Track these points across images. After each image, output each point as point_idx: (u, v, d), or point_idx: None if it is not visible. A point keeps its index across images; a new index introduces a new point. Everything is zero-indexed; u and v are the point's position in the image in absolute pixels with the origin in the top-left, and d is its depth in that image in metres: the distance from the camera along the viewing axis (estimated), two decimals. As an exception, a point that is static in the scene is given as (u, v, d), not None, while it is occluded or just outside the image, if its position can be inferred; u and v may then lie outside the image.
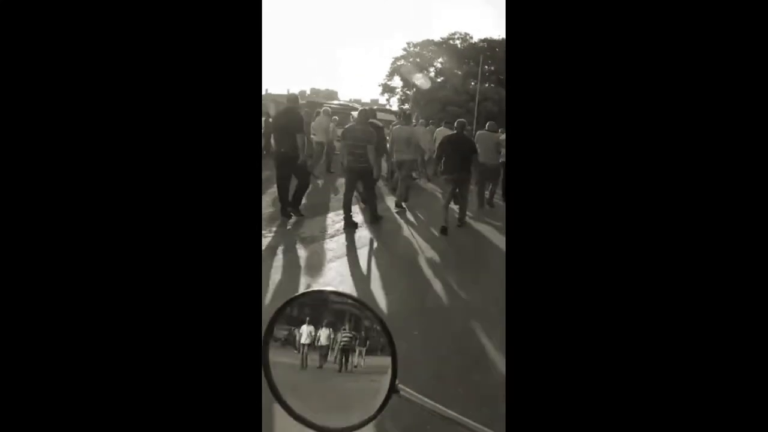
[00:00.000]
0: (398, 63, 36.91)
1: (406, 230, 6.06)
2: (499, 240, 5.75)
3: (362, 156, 5.60)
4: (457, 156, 5.94)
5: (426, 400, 0.53)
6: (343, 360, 0.55)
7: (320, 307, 0.59)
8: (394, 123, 9.12)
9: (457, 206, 6.42)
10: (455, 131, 6.26)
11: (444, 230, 5.87)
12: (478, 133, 8.30)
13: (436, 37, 37.22)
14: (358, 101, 27.96)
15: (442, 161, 6.12)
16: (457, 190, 6.07)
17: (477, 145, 7.38)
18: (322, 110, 10.20)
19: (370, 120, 6.90)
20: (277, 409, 0.55)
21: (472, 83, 31.10)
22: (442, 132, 9.19)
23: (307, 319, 0.57)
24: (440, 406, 0.53)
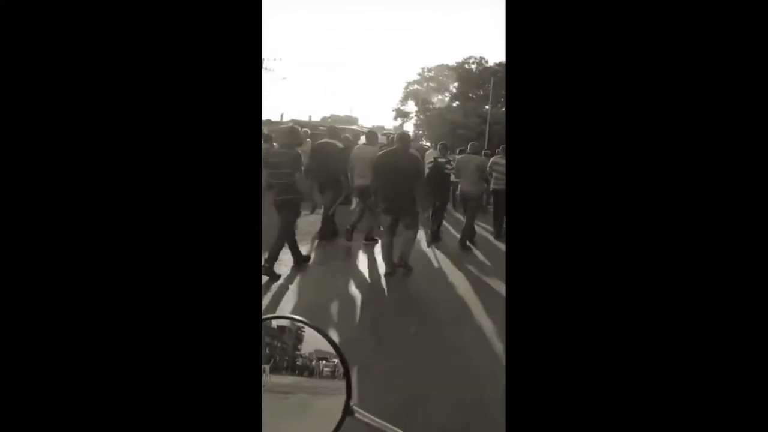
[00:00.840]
0: (411, 87, 36.39)
1: (309, 293, 4.01)
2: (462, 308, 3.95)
3: (283, 185, 4.29)
4: (391, 179, 4.48)
5: (382, 422, 0.54)
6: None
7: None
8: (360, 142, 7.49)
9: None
10: (394, 147, 4.75)
11: (392, 273, 4.55)
12: (457, 156, 7.30)
13: (451, 62, 36.66)
14: (381, 127, 27.41)
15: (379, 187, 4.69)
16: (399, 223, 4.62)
17: (456, 170, 6.44)
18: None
19: (326, 140, 5.83)
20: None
21: (486, 107, 30.15)
22: (430, 156, 7.77)
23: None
24: (397, 429, 0.53)
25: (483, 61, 36.66)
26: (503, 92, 32.52)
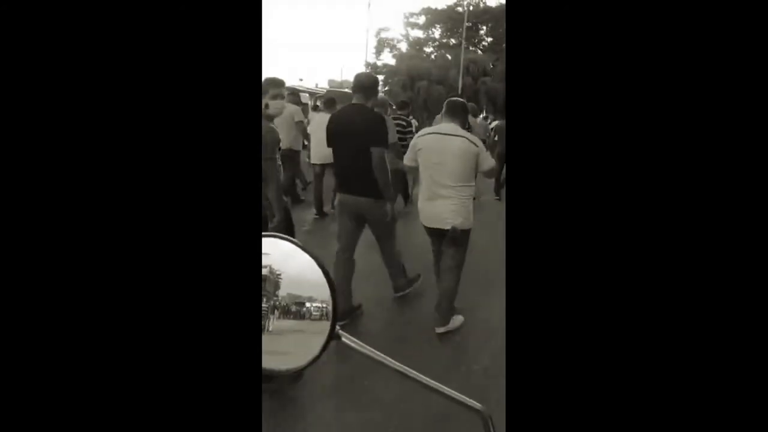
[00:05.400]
0: (384, 35, 28.84)
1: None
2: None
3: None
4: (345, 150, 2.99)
5: (367, 347, 0.54)
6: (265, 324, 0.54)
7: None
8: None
9: None
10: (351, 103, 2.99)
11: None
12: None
13: (441, 4, 28.83)
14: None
15: None
16: None
17: None
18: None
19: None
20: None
21: (493, 62, 22.88)
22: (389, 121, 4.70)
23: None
24: (381, 354, 0.54)
25: (480, 2, 29.11)
26: (493, 36, 25.12)
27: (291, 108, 5.59)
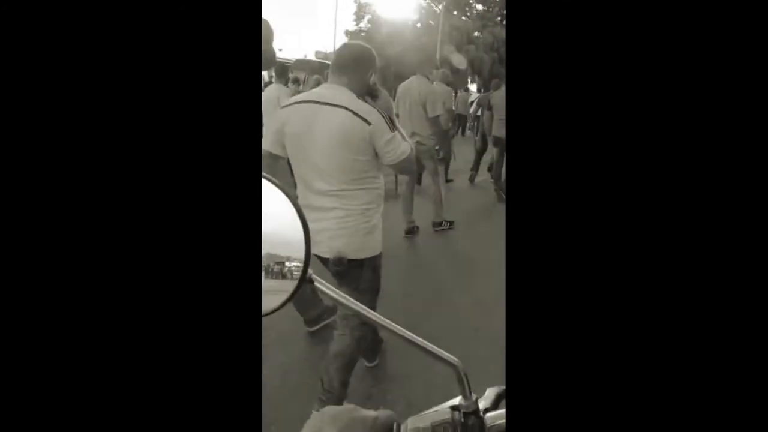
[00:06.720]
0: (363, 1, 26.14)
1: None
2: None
3: None
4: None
5: (338, 292, 0.54)
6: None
7: None
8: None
9: None
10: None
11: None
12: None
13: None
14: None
15: None
16: None
17: None
18: None
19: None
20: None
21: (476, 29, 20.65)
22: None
23: None
24: (352, 300, 0.54)
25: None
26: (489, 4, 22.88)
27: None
